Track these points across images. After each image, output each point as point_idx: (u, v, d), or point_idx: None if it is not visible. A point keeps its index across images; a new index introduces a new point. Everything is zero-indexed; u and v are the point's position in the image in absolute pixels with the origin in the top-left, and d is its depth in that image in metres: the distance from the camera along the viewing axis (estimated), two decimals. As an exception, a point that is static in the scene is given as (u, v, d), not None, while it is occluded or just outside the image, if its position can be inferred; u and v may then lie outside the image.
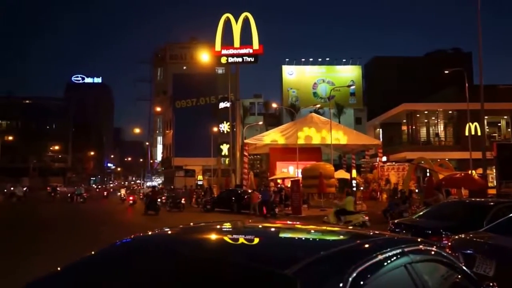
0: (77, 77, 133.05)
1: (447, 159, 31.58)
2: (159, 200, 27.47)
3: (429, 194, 20.57)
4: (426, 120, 44.09)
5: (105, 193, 49.45)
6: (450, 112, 41.76)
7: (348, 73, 67.01)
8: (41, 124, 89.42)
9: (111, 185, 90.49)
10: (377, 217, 19.43)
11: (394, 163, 36.45)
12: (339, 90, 54.38)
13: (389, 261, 1.86)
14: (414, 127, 43.40)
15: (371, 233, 2.47)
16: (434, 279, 2.11)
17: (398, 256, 1.94)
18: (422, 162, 28.53)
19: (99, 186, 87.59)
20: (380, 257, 1.83)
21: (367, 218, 15.92)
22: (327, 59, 67.94)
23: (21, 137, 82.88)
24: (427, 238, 5.85)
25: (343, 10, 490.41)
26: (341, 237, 2.46)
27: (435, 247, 2.38)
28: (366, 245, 2.10)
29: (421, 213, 10.01)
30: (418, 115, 43.14)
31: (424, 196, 21.65)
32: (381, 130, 48.91)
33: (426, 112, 42.85)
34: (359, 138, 37.90)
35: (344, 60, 68.00)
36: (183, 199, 28.83)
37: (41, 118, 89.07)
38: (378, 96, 59.71)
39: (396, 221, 9.93)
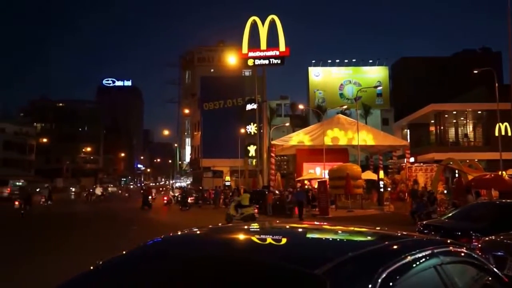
0: (108, 80, 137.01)
1: (476, 160, 31.28)
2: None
3: (457, 195, 20.55)
4: (454, 121, 43.53)
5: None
6: (480, 112, 41.13)
7: (375, 74, 66.61)
8: (74, 127, 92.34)
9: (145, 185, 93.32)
10: (405, 218, 19.52)
11: (422, 164, 36.19)
12: (366, 91, 54.21)
13: (418, 262, 1.86)
14: (442, 128, 42.91)
15: (400, 234, 2.44)
16: (464, 281, 2.08)
17: (428, 257, 1.93)
18: (451, 163, 28.30)
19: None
20: (409, 258, 1.83)
21: (256, 210, 20.38)
22: (354, 60, 67.92)
23: (55, 139, 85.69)
24: (456, 240, 6.14)
25: (368, 12, 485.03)
26: (370, 238, 2.46)
27: (465, 248, 2.35)
28: (395, 246, 2.08)
29: (450, 214, 10.05)
30: (446, 116, 42.66)
31: (453, 197, 21.60)
32: (408, 131, 48.53)
33: (454, 112, 42.33)
34: (386, 139, 37.77)
35: (370, 61, 67.78)
36: (190, 199, 31.93)
37: (74, 121, 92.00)
38: (405, 96, 59.21)
39: (424, 222, 10.01)
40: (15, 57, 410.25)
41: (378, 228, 2.68)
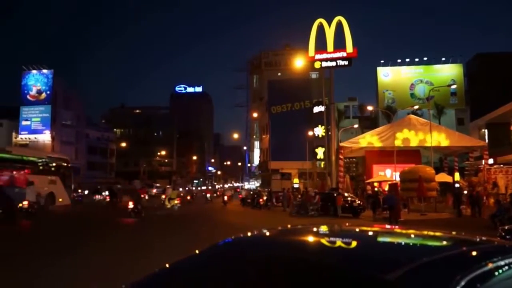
0: (180, 87, 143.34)
1: None
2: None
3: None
4: (539, 119, 40.55)
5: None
6: None
7: (448, 72, 63.71)
8: (149, 131, 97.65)
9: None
10: (484, 223, 18.73)
11: (502, 165, 34.22)
12: (439, 90, 52.03)
13: (501, 271, 1.69)
14: (525, 127, 40.15)
15: (479, 240, 2.28)
16: None
17: None
18: (535, 164, 26.64)
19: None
20: (491, 265, 1.68)
21: (178, 202, 28.83)
22: (425, 58, 65.36)
23: (132, 143, 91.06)
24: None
25: (440, 8, 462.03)
26: (446, 242, 2.34)
27: None
28: (474, 252, 1.95)
29: (536, 219, 9.68)
30: (530, 114, 39.88)
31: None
32: (486, 130, 45.93)
33: (539, 110, 39.45)
34: (461, 140, 36.19)
35: (443, 59, 64.86)
36: (260, 200, 35.12)
37: (149, 126, 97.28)
38: (482, 95, 55.91)
39: (506, 227, 9.69)
40: (96, 68, 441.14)
41: (454, 232, 2.53)
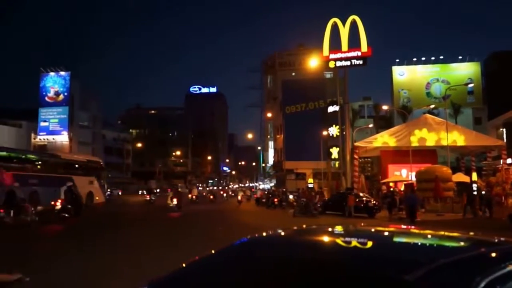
0: (195, 87, 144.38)
1: None
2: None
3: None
4: (559, 118, 39.87)
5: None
6: None
7: (465, 71, 62.91)
8: (164, 132, 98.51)
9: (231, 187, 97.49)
10: (502, 223, 18.51)
11: (520, 165, 33.68)
12: (455, 89, 51.55)
13: None
14: (544, 126, 39.51)
15: (497, 240, 2.21)
16: None
17: None
18: (554, 164, 26.15)
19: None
20: (511, 267, 1.64)
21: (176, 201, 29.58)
22: (441, 57, 64.69)
23: (148, 144, 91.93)
24: None
25: (455, 9, 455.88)
26: (464, 243, 2.29)
27: None
28: (494, 253, 1.92)
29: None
30: (549, 113, 39.23)
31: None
32: (504, 130, 45.23)
33: (559, 109, 38.79)
34: (478, 139, 35.70)
35: (460, 57, 64.09)
36: (275, 200, 35.61)
37: (165, 127, 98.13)
38: (500, 93, 55.07)
39: None
40: (112, 69, 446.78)
41: (471, 233, 2.46)
